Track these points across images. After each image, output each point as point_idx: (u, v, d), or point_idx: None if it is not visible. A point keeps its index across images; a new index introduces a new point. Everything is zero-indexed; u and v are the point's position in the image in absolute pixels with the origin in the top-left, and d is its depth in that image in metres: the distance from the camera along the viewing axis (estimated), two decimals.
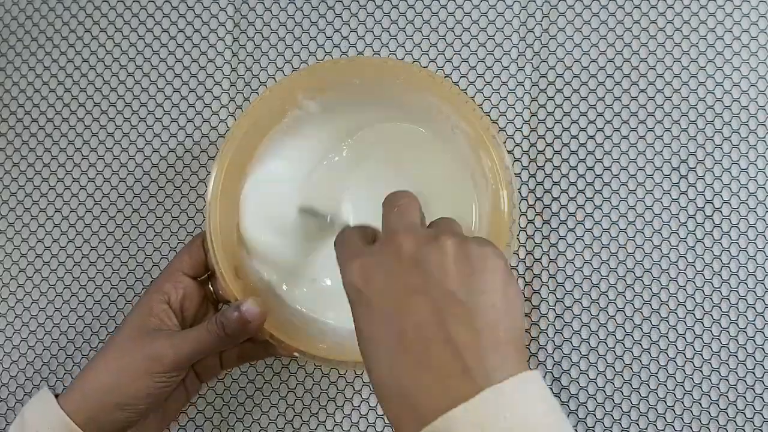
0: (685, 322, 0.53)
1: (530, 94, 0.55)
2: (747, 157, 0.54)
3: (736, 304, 0.53)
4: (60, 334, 0.56)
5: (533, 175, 0.54)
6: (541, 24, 0.55)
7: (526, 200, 0.54)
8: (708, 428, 0.52)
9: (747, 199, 0.53)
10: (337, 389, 0.54)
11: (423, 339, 0.34)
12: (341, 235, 0.41)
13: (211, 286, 0.51)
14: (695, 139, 0.54)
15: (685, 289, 0.53)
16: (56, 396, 0.46)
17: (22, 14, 0.58)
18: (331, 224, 0.52)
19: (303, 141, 0.52)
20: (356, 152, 0.53)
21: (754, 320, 0.53)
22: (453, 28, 0.56)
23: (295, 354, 0.47)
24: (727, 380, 0.52)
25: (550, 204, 0.54)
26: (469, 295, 0.34)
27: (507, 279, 0.36)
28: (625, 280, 0.53)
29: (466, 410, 0.32)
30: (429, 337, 0.34)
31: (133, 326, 0.47)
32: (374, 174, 0.53)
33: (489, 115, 0.55)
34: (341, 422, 0.54)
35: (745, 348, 0.52)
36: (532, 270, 0.54)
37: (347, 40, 0.56)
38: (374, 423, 0.54)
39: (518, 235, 0.54)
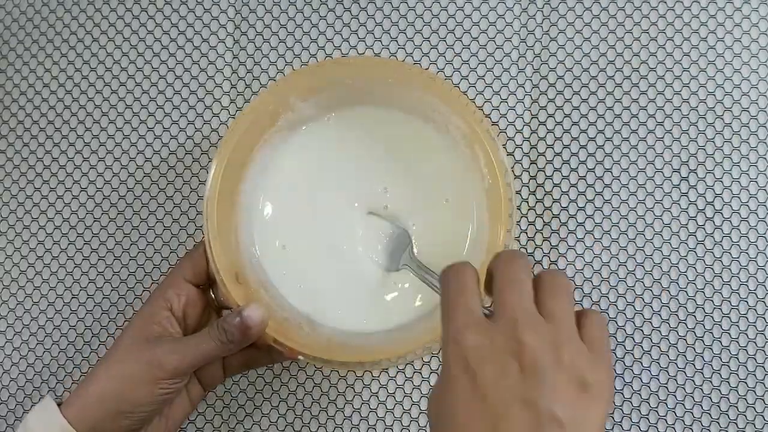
0: (686, 324, 0.53)
1: (531, 96, 0.55)
2: (748, 159, 0.54)
3: (737, 305, 0.53)
4: (61, 336, 0.56)
5: (534, 177, 0.54)
6: (541, 26, 0.55)
7: (527, 202, 0.54)
8: (709, 430, 0.52)
9: (748, 201, 0.53)
10: (338, 391, 0.54)
11: None
12: (455, 276, 0.38)
13: (213, 294, 0.51)
14: (696, 141, 0.54)
15: (686, 291, 0.53)
16: (59, 404, 0.46)
17: (23, 16, 0.58)
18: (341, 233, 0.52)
19: (301, 140, 0.53)
20: (355, 149, 0.53)
21: (755, 322, 0.53)
22: (453, 30, 0.56)
23: (300, 357, 0.47)
24: (728, 382, 0.52)
25: (551, 206, 0.54)
26: (572, 420, 0.34)
27: (607, 410, 0.35)
28: (625, 282, 0.53)
29: None
30: None
31: (135, 333, 0.47)
32: (376, 171, 0.53)
33: (489, 117, 0.55)
34: (342, 424, 0.54)
35: (746, 350, 0.52)
36: (532, 272, 0.54)
37: (348, 42, 0.56)
38: (375, 425, 0.54)
39: (519, 236, 0.54)
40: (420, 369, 0.54)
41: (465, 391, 0.35)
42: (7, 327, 0.56)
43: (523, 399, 0.34)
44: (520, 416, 0.34)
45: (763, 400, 0.52)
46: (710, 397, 0.52)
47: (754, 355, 0.52)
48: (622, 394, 0.53)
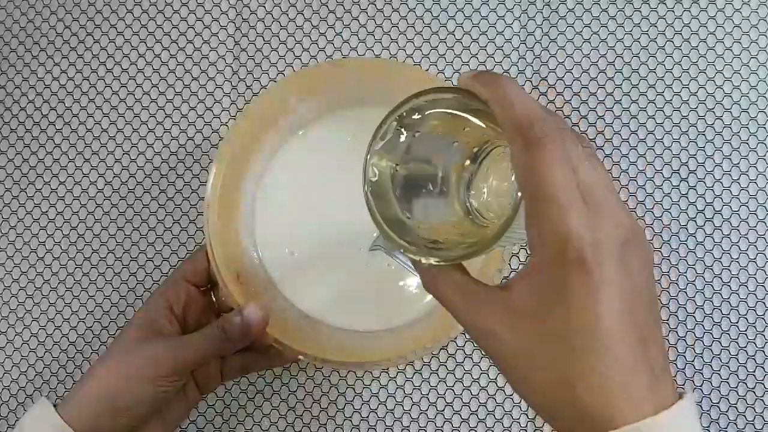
0: (685, 324, 0.53)
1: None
2: (747, 160, 0.54)
3: (737, 306, 0.53)
4: (62, 337, 0.56)
5: None
6: (541, 27, 0.55)
7: None
8: (708, 430, 0.52)
9: (747, 202, 0.53)
10: (338, 392, 0.54)
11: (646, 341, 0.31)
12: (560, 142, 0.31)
13: (214, 296, 0.51)
14: (695, 142, 0.54)
15: (685, 292, 0.53)
16: (56, 405, 0.46)
17: (24, 17, 0.58)
18: (339, 229, 0.52)
19: (301, 141, 0.53)
20: (355, 150, 0.53)
21: (755, 322, 0.53)
22: (453, 31, 0.56)
23: (300, 357, 0.47)
24: (728, 383, 0.52)
25: None
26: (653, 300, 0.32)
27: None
28: None
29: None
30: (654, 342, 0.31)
31: (134, 332, 0.47)
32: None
33: None
34: (342, 424, 0.54)
35: (746, 350, 0.53)
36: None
37: (348, 43, 0.56)
38: (375, 426, 0.54)
39: None
40: (420, 369, 0.54)
41: (599, 284, 0.31)
42: (9, 327, 0.56)
43: (647, 290, 0.32)
44: (646, 305, 0.31)
45: (762, 400, 0.52)
46: (710, 398, 0.52)
47: (754, 355, 0.52)
48: None
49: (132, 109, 0.57)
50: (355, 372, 0.54)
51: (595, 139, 0.55)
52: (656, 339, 0.32)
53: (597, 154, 0.33)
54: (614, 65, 0.55)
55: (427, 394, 0.54)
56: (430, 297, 0.51)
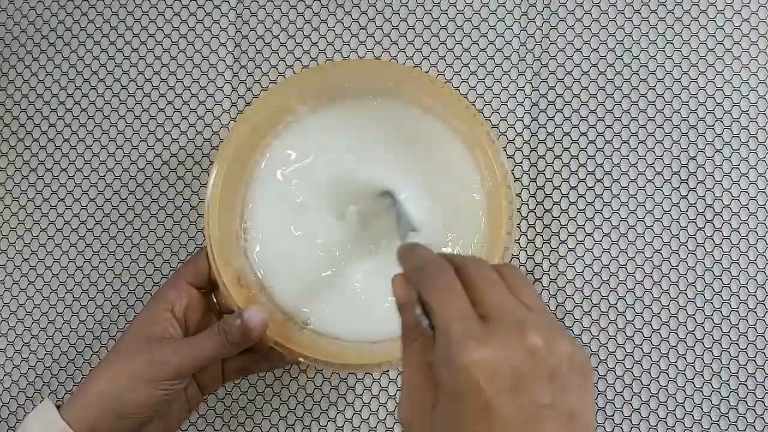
0: (686, 326, 0.53)
1: (531, 98, 0.55)
2: (747, 161, 0.54)
3: (737, 308, 0.53)
4: (62, 339, 0.56)
5: (534, 180, 0.55)
6: (541, 29, 0.56)
7: (527, 204, 0.54)
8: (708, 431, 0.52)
9: (747, 204, 0.53)
10: (339, 393, 0.54)
11: None
12: (436, 273, 0.35)
13: (216, 298, 0.51)
14: (695, 144, 0.54)
15: (686, 294, 0.53)
16: (59, 407, 0.46)
17: (25, 20, 0.58)
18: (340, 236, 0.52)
19: (299, 143, 0.52)
20: (355, 151, 0.53)
21: (755, 324, 0.53)
22: (454, 33, 0.56)
23: (300, 359, 0.47)
24: (728, 384, 0.52)
25: (551, 208, 0.54)
26: (582, 416, 0.33)
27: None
28: (625, 284, 0.53)
29: None
30: None
31: (135, 334, 0.47)
32: (376, 172, 0.52)
33: (489, 120, 0.55)
34: (342, 426, 0.54)
35: (746, 352, 0.53)
36: (533, 274, 0.54)
37: (348, 45, 0.56)
38: (375, 427, 0.54)
39: (519, 238, 0.54)
40: None
41: (483, 413, 0.32)
42: (9, 329, 0.56)
43: (546, 406, 0.32)
44: (550, 425, 0.32)
45: (763, 402, 0.52)
46: (710, 399, 0.52)
47: (755, 357, 0.52)
48: (623, 396, 0.53)
49: (132, 111, 0.57)
50: (355, 374, 0.54)
51: (595, 141, 0.55)
52: None
53: (521, 279, 0.36)
54: (614, 67, 0.55)
55: None
56: None
